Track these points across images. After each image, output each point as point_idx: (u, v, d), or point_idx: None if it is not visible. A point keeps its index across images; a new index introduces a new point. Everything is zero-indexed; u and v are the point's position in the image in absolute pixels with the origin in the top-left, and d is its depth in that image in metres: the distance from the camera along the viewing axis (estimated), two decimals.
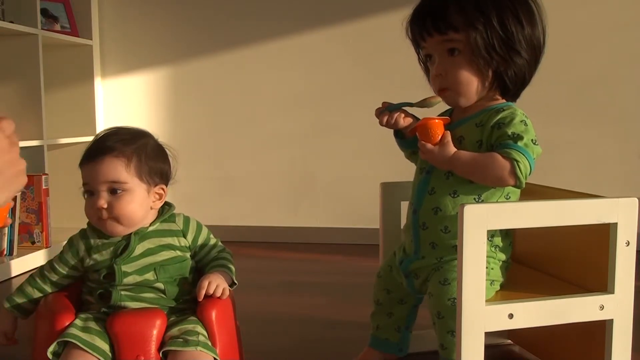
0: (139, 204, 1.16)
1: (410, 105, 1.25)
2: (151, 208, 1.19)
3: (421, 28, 1.22)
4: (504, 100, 1.23)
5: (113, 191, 1.15)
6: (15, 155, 0.90)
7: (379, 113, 1.27)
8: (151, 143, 1.21)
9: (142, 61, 2.86)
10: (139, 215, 1.17)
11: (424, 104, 1.23)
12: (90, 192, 1.17)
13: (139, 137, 1.20)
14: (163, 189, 1.21)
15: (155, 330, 1.09)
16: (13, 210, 2.29)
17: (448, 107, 1.31)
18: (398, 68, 2.49)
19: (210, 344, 1.10)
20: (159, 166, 1.20)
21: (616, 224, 1.07)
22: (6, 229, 2.25)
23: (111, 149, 1.15)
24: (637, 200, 1.08)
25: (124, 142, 1.17)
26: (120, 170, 1.14)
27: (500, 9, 1.17)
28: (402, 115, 1.26)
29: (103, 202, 1.14)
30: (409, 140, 1.29)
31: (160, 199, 1.21)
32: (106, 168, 1.14)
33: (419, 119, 1.25)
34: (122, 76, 2.89)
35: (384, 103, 1.27)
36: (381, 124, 1.27)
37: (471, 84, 1.20)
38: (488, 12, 1.16)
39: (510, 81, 1.20)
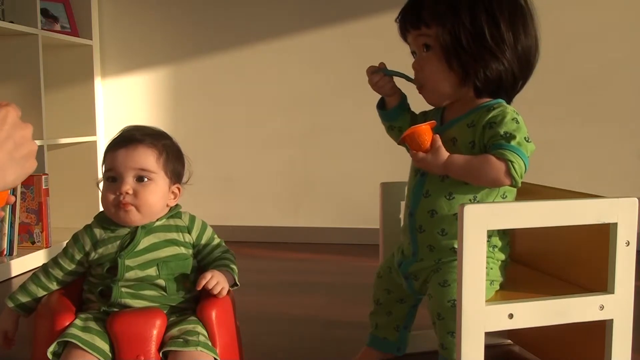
0: (160, 196, 1.19)
1: (408, 79, 1.26)
2: (167, 205, 1.22)
3: (402, 25, 1.25)
4: (492, 98, 1.22)
5: (139, 179, 1.17)
6: (28, 134, 0.91)
7: (372, 72, 1.28)
8: (175, 145, 1.26)
9: (142, 61, 2.86)
10: (159, 207, 1.19)
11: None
12: (113, 178, 1.18)
13: (165, 137, 1.25)
14: (179, 189, 1.24)
15: (156, 330, 1.09)
16: (13, 208, 2.29)
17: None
18: (398, 68, 2.49)
19: (210, 344, 1.10)
20: (179, 167, 1.24)
21: (616, 224, 1.07)
22: (6, 229, 2.25)
23: (144, 140, 1.19)
24: (637, 200, 1.08)
25: (154, 137, 1.21)
26: (151, 159, 1.18)
27: (474, 8, 1.16)
28: (392, 84, 1.27)
29: (129, 187, 1.16)
30: (390, 112, 1.31)
31: (175, 198, 1.23)
32: (139, 155, 1.17)
33: (404, 96, 1.27)
34: (122, 76, 2.89)
35: (380, 63, 1.28)
36: (370, 82, 1.28)
37: (440, 81, 1.20)
38: (460, 9, 1.16)
39: (479, 81, 1.18)
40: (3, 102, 0.92)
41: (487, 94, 1.21)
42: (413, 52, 1.27)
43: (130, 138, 1.19)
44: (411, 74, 1.27)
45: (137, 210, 1.16)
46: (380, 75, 1.27)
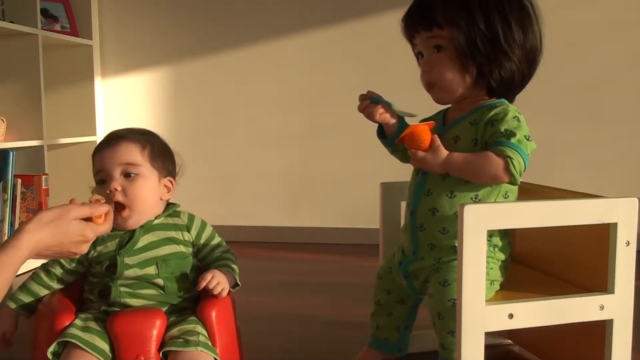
0: (150, 188, 1.19)
1: (390, 106, 1.25)
2: (160, 199, 1.22)
3: (410, 26, 1.24)
4: (501, 97, 1.23)
5: (127, 175, 1.17)
6: (77, 252, 1.02)
7: (362, 99, 1.28)
8: (161, 140, 1.26)
9: (142, 61, 2.87)
10: (151, 200, 1.19)
11: (402, 113, 1.24)
12: (102, 180, 1.18)
13: (149, 133, 1.26)
14: (171, 182, 1.24)
15: (155, 330, 1.09)
16: (13, 208, 2.29)
17: (439, 110, 1.32)
18: (397, 68, 2.49)
19: (210, 344, 1.10)
20: (167, 161, 1.24)
21: (616, 224, 1.07)
22: (6, 229, 2.25)
23: (126, 136, 1.20)
24: (637, 200, 1.09)
25: (137, 133, 1.22)
26: (135, 153, 1.18)
27: (486, 9, 1.16)
28: (381, 110, 1.25)
29: (117, 184, 1.16)
30: (389, 140, 1.30)
31: (168, 192, 1.23)
32: (122, 150, 1.18)
33: (398, 119, 1.26)
34: (122, 76, 2.89)
35: (369, 92, 1.28)
36: (359, 108, 1.27)
37: (454, 81, 1.20)
38: (473, 10, 1.16)
39: (495, 81, 1.19)
40: (99, 219, 1.05)
41: (499, 94, 1.22)
42: (419, 53, 1.26)
43: (113, 136, 1.21)
44: (416, 72, 1.27)
45: (130, 211, 1.16)
46: (366, 103, 1.26)
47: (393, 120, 1.26)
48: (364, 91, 1.28)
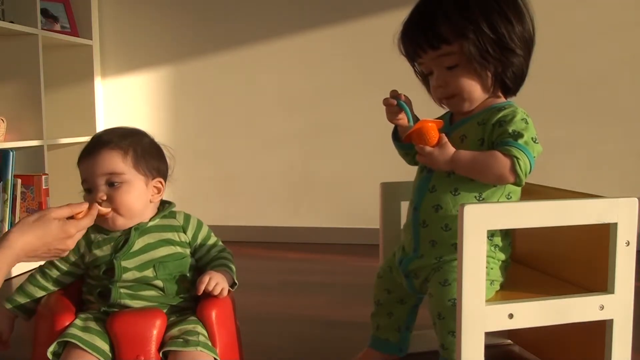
0: (137, 195, 1.17)
1: (407, 117, 1.24)
2: (150, 201, 1.20)
3: (414, 45, 1.23)
4: (505, 99, 1.24)
5: (111, 184, 1.15)
6: (64, 251, 1.10)
7: (392, 95, 1.26)
8: (147, 139, 1.23)
9: (142, 61, 2.87)
10: (138, 206, 1.17)
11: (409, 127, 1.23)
12: (89, 189, 1.17)
13: (135, 133, 1.22)
14: (161, 183, 1.22)
15: (156, 330, 1.09)
16: (13, 208, 2.29)
17: (445, 111, 1.32)
18: (398, 68, 2.48)
19: (210, 344, 1.10)
20: (156, 161, 1.22)
21: (616, 224, 1.07)
22: (6, 228, 2.25)
23: (107, 143, 1.17)
24: (637, 200, 1.09)
25: (120, 136, 1.19)
26: (117, 161, 1.16)
27: (487, 13, 1.16)
28: (401, 115, 1.25)
29: (102, 194, 1.15)
30: (405, 144, 1.31)
31: (158, 193, 1.21)
32: (103, 160, 1.15)
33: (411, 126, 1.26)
34: (122, 76, 2.89)
35: (401, 94, 1.27)
36: (384, 102, 1.27)
37: (473, 90, 1.21)
38: (476, 18, 1.16)
39: (510, 80, 1.21)
40: (79, 215, 1.09)
41: (514, 91, 1.23)
42: (427, 73, 1.25)
43: (94, 144, 1.18)
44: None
45: (117, 214, 1.15)
46: (393, 102, 1.25)
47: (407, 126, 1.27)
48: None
